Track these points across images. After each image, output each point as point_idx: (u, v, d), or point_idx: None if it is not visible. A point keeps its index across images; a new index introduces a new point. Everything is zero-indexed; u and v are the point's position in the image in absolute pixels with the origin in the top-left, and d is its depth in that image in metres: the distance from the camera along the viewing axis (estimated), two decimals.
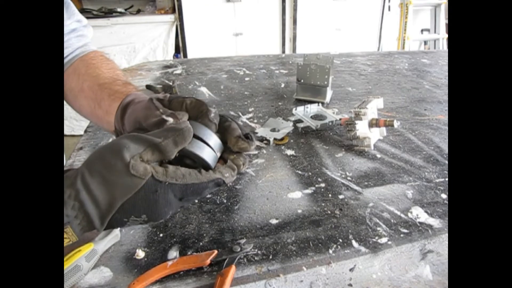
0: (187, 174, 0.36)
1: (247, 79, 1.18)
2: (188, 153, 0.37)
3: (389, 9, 3.28)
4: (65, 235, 0.33)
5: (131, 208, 0.34)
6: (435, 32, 3.36)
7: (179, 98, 0.42)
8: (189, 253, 0.48)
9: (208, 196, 0.59)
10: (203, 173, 0.37)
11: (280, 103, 0.98)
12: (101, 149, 0.34)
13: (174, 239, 0.50)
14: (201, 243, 0.50)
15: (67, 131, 2.62)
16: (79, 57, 0.59)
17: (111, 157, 0.33)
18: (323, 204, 0.58)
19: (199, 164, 0.39)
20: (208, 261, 0.45)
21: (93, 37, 0.65)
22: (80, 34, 0.61)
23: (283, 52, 3.07)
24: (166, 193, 0.35)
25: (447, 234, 0.52)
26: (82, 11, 2.61)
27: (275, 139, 0.77)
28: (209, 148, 0.39)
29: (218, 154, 0.41)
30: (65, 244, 0.33)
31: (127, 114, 0.44)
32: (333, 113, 0.87)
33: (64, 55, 0.59)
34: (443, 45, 3.29)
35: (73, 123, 2.62)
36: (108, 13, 2.59)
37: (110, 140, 0.77)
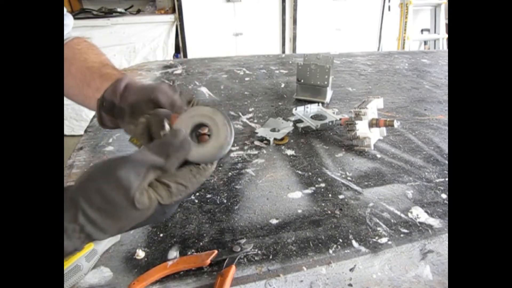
0: (189, 184, 0.34)
1: (247, 79, 1.18)
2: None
3: (389, 9, 3.28)
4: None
5: (136, 226, 0.34)
6: (435, 32, 3.36)
7: (188, 95, 0.42)
8: (189, 253, 0.48)
9: (208, 196, 0.59)
10: (202, 173, 0.35)
11: (280, 103, 0.98)
12: (96, 178, 0.31)
13: (174, 239, 0.50)
14: (201, 243, 0.50)
15: (67, 131, 2.61)
16: (64, 44, 0.59)
17: (112, 193, 0.30)
18: (323, 204, 0.58)
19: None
20: (208, 261, 0.45)
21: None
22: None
23: (283, 52, 3.07)
24: (172, 208, 0.35)
25: (447, 234, 0.52)
26: (82, 11, 2.61)
27: (275, 139, 0.77)
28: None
29: None
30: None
31: (134, 88, 0.45)
32: (333, 113, 0.87)
33: None
34: (443, 45, 3.29)
35: (73, 123, 2.62)
36: (108, 13, 2.59)
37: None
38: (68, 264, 0.42)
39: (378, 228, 0.53)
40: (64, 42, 0.60)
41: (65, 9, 0.65)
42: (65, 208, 0.30)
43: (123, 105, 0.45)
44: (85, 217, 0.30)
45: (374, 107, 0.78)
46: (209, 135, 0.35)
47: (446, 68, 1.33)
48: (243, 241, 0.50)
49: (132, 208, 0.31)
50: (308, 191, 0.61)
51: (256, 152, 0.73)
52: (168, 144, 0.32)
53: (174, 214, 0.55)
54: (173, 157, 0.32)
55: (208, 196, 0.59)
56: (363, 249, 0.49)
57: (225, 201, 0.58)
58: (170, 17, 2.69)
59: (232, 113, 0.92)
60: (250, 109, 0.94)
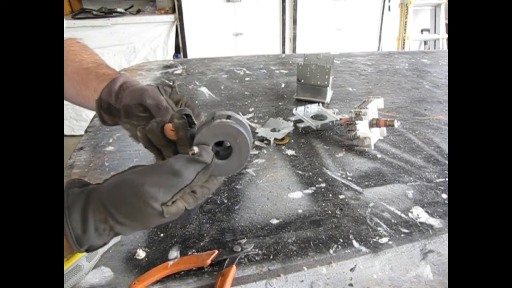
0: (211, 186, 0.36)
1: (247, 79, 1.18)
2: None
3: (389, 9, 3.28)
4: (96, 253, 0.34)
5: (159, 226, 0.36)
6: (435, 32, 3.36)
7: (177, 95, 0.42)
8: (189, 253, 0.48)
9: (209, 196, 0.59)
10: (218, 178, 0.37)
11: (280, 103, 0.98)
12: (125, 190, 0.32)
13: (175, 239, 0.50)
14: (201, 243, 0.50)
15: (67, 131, 2.61)
16: None
17: (141, 206, 0.31)
18: (323, 204, 0.58)
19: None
20: (209, 261, 0.45)
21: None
22: None
23: (283, 52, 3.07)
24: (195, 210, 0.37)
25: (447, 234, 0.52)
26: (82, 11, 2.61)
27: (275, 139, 0.77)
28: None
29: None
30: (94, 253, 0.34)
31: (127, 90, 0.46)
32: (334, 113, 0.87)
33: None
34: (443, 45, 3.29)
35: (73, 123, 2.62)
36: (108, 13, 2.58)
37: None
38: (68, 264, 0.42)
39: (379, 228, 0.53)
40: None
41: None
42: (95, 208, 0.31)
43: (118, 106, 0.46)
44: (115, 220, 0.32)
45: (374, 107, 0.78)
46: (229, 148, 0.35)
47: (446, 68, 1.33)
48: (243, 241, 0.50)
49: (160, 217, 0.32)
50: (309, 191, 0.61)
51: (256, 152, 0.73)
52: (197, 163, 0.33)
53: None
54: (202, 174, 0.33)
55: (209, 196, 0.59)
56: (363, 249, 0.49)
57: (225, 201, 0.58)
58: (170, 17, 2.69)
59: None
60: (251, 109, 0.94)
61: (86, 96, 0.53)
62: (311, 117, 0.85)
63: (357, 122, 0.72)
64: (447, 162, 0.70)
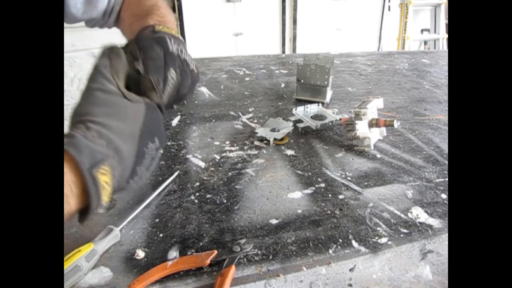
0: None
1: (247, 79, 1.18)
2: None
3: (389, 9, 3.28)
4: (103, 174, 0.33)
5: (146, 133, 0.38)
6: (435, 32, 3.37)
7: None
8: (189, 253, 0.48)
9: (208, 196, 0.59)
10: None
11: (280, 103, 0.98)
12: (84, 98, 0.37)
13: (174, 239, 0.50)
14: (201, 243, 0.50)
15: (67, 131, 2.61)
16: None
17: (106, 96, 0.36)
18: (323, 204, 0.58)
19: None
20: (208, 261, 0.45)
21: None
22: None
23: (283, 52, 3.07)
24: (159, 112, 0.42)
25: (447, 234, 0.52)
26: None
27: (275, 139, 0.77)
28: None
29: None
30: (104, 184, 0.33)
31: None
32: (333, 113, 0.87)
33: (116, 12, 0.65)
34: (443, 45, 3.29)
35: None
36: None
37: None
38: (68, 264, 0.42)
39: (378, 228, 0.53)
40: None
41: None
42: (73, 127, 0.35)
43: None
44: (95, 123, 0.34)
45: (374, 107, 0.78)
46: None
47: (446, 68, 1.33)
48: (243, 241, 0.50)
49: (125, 100, 0.37)
50: (308, 191, 0.61)
51: (256, 152, 0.73)
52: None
53: (174, 215, 0.55)
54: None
55: (208, 196, 0.59)
56: (363, 249, 0.49)
57: (225, 201, 0.58)
58: None
59: (232, 113, 0.92)
60: (250, 109, 0.94)
61: None
62: (311, 117, 0.85)
63: (356, 122, 0.72)
64: (446, 162, 0.70)
